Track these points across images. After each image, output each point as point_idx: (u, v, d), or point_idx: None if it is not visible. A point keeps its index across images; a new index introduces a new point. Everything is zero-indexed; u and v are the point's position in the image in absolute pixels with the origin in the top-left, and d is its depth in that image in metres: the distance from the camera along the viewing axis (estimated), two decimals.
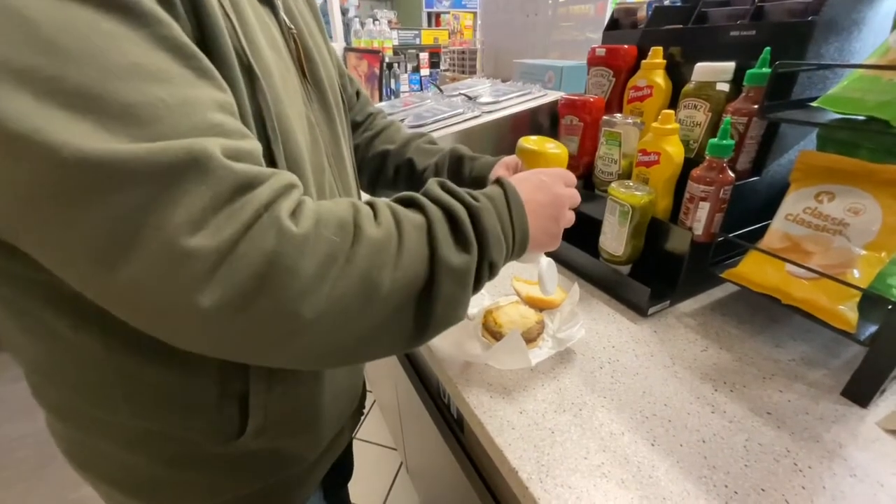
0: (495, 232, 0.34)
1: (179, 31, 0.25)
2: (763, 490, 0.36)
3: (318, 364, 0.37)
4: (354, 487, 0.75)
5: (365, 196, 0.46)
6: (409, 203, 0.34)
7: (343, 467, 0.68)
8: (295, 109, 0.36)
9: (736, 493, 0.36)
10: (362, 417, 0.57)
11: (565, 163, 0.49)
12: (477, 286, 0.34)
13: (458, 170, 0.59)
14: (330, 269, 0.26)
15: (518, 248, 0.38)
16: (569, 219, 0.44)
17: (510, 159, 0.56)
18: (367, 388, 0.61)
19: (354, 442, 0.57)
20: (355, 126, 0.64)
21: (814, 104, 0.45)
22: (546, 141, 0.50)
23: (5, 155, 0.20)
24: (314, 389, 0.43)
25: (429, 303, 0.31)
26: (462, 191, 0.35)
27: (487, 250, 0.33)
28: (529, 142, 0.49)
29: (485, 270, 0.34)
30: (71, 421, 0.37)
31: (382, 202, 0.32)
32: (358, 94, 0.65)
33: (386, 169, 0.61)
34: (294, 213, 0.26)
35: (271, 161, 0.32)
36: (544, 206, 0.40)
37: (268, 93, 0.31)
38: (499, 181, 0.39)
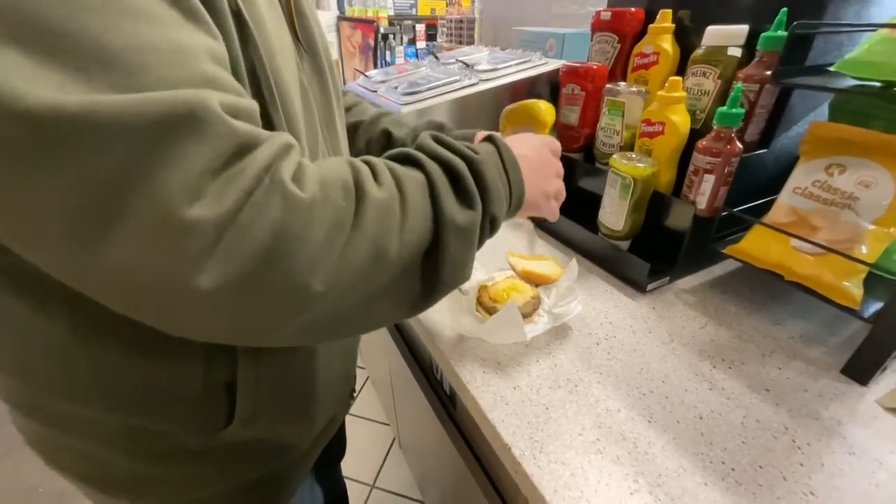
0: (496, 185, 0.33)
1: None
2: (760, 467, 0.35)
3: (319, 340, 0.34)
4: (347, 463, 0.75)
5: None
6: (404, 159, 0.31)
7: (335, 447, 0.67)
8: (289, 70, 0.32)
9: (733, 469, 0.35)
10: (353, 398, 0.56)
11: (552, 115, 0.47)
12: (479, 243, 0.33)
13: None
14: (339, 236, 0.24)
15: (515, 203, 0.36)
16: (557, 188, 0.42)
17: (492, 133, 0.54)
18: (360, 364, 0.59)
19: (347, 418, 0.56)
20: None
21: (831, 68, 0.42)
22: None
23: None
24: (307, 375, 0.40)
25: (435, 264, 0.29)
26: (459, 143, 0.33)
27: (489, 205, 0.32)
28: (512, 105, 0.48)
29: (486, 226, 0.33)
30: (38, 418, 0.34)
31: (378, 160, 0.30)
32: None
33: (356, 141, 0.58)
34: (296, 176, 0.24)
35: (269, 126, 0.29)
36: (536, 165, 0.39)
37: (261, 46, 0.27)
38: (489, 138, 0.37)
